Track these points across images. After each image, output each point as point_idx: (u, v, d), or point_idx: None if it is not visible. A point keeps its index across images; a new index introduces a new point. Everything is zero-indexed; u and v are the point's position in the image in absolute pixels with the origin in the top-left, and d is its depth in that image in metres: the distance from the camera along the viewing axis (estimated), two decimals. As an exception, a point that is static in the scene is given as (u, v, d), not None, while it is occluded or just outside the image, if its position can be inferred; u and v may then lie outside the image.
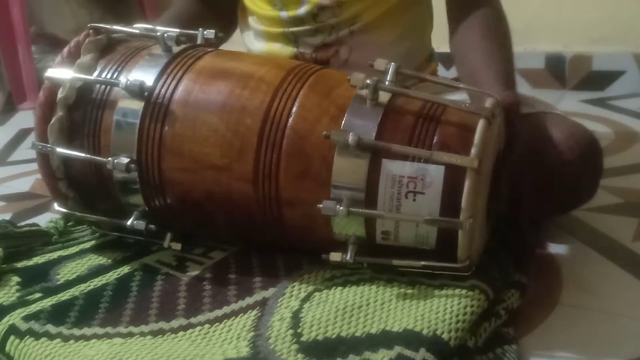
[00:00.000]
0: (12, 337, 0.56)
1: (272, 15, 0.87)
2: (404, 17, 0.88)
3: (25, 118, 1.62)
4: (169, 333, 0.56)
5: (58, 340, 0.55)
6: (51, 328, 0.57)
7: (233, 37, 0.96)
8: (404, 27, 0.88)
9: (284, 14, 0.86)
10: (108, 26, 0.68)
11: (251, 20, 0.92)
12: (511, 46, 0.79)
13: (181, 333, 0.56)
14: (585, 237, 0.77)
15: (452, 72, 1.27)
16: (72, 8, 1.92)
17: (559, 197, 0.72)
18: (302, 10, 0.84)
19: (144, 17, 1.89)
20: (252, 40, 0.93)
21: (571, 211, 0.80)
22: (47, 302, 0.61)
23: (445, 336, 0.52)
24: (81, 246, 0.73)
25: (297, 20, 0.86)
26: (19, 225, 0.76)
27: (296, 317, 0.56)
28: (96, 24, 0.68)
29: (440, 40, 0.92)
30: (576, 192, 0.73)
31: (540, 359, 0.55)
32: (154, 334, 0.56)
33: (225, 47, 0.72)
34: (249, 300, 0.60)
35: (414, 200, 0.57)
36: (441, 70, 1.05)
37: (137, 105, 0.62)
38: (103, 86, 0.64)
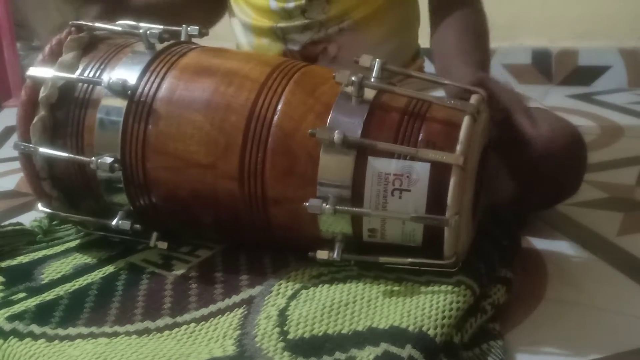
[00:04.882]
0: (-5, 338, 0.55)
1: (262, 3, 0.87)
2: (392, 15, 0.88)
3: (10, 115, 1.59)
4: (155, 332, 0.56)
5: (42, 340, 0.55)
6: (35, 328, 0.56)
7: (223, 34, 0.95)
8: (392, 25, 0.88)
9: (274, 3, 0.86)
10: (90, 23, 0.67)
11: (240, 12, 0.91)
12: (488, 44, 0.80)
13: (167, 332, 0.55)
14: (570, 232, 0.78)
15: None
16: (57, 3, 1.90)
17: (543, 192, 0.72)
18: (292, 3, 0.84)
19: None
20: (241, 34, 0.93)
21: (555, 205, 0.80)
22: (32, 302, 0.60)
23: (431, 332, 0.52)
24: (66, 245, 0.72)
25: (286, 14, 0.86)
26: (2, 224, 0.75)
27: (283, 315, 0.56)
28: (78, 22, 0.67)
29: (427, 36, 0.92)
30: (560, 186, 0.74)
31: (526, 354, 0.55)
32: (140, 333, 0.55)
33: (215, 43, 0.71)
34: (236, 298, 0.59)
35: (400, 197, 0.57)
36: (428, 66, 1.05)
37: (121, 104, 0.62)
38: (86, 85, 0.64)
